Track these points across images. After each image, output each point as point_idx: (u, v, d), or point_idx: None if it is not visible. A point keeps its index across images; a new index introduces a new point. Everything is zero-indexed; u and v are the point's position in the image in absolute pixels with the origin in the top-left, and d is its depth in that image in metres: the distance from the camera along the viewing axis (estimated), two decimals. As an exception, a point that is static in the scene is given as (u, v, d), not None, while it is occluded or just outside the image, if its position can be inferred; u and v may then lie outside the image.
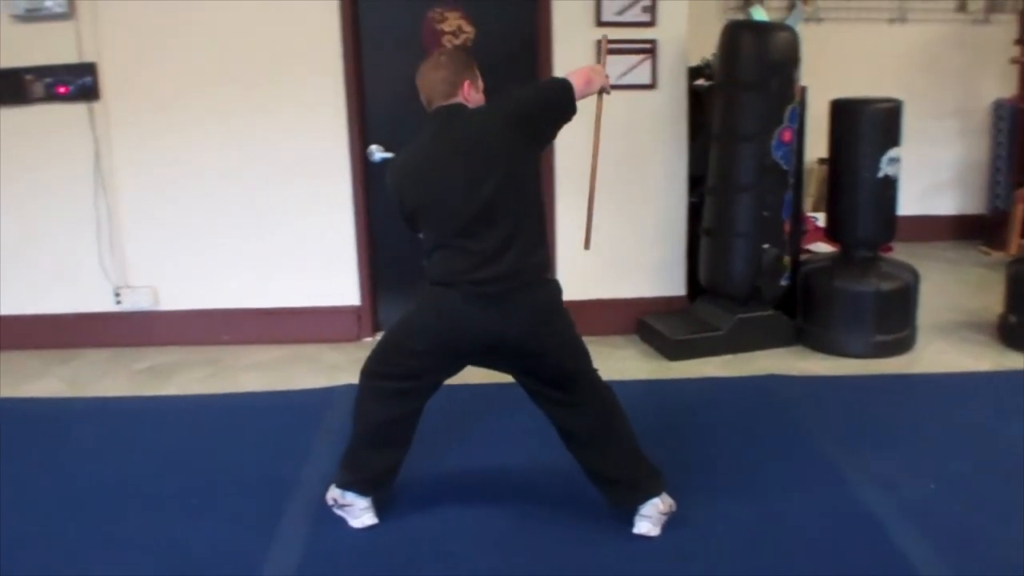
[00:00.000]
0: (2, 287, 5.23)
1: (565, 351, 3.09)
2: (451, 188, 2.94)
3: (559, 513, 3.29)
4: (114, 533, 3.25)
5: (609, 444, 3.13)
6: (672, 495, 3.17)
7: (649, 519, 3.11)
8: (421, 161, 3.05)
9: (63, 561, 3.09)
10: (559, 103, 3.06)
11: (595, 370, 3.17)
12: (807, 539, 3.11)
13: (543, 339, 3.01)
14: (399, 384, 3.12)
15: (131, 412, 4.40)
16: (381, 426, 3.17)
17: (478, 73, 3.14)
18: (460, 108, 3.04)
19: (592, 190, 3.43)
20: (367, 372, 3.18)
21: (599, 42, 3.57)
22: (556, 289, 3.12)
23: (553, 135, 3.13)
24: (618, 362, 4.82)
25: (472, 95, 3.08)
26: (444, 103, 3.05)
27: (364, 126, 5.04)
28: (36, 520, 3.35)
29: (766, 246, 4.80)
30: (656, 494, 3.12)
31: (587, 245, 3.45)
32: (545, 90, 3.15)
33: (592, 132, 3.40)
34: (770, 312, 4.97)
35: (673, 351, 4.85)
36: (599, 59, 3.53)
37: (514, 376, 3.16)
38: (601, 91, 3.30)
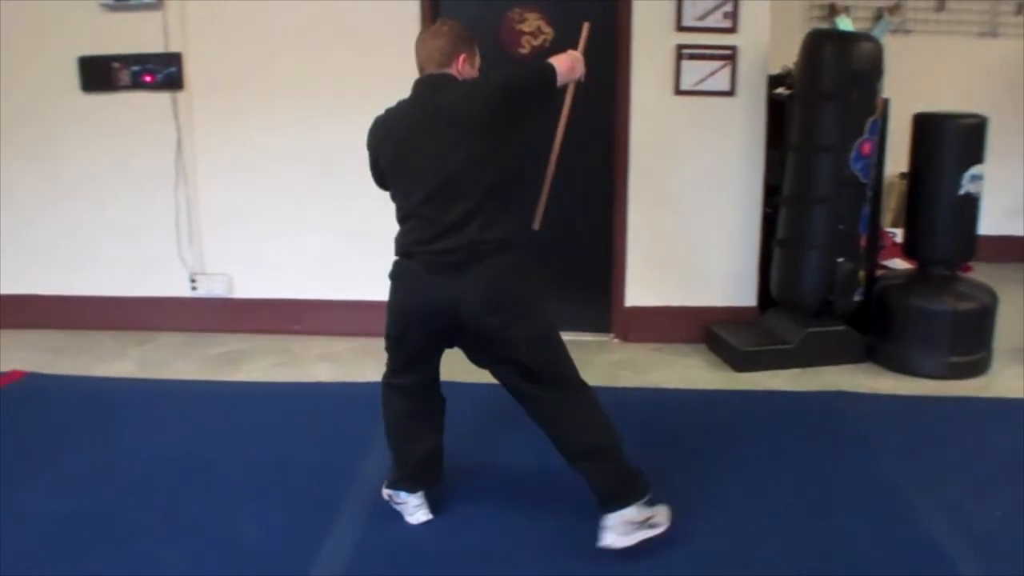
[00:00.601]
0: (84, 269, 5.38)
1: (527, 328, 2.99)
2: (422, 156, 2.94)
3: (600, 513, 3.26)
4: (173, 514, 3.32)
5: (581, 446, 3.04)
6: (732, 507, 3.13)
7: (613, 531, 2.98)
8: (399, 124, 3.06)
9: (121, 538, 3.17)
10: (542, 86, 3.07)
11: (572, 367, 3.08)
12: (865, 559, 3.04)
13: (499, 310, 2.93)
14: (399, 379, 3.17)
15: (200, 395, 4.49)
16: (398, 421, 3.22)
17: (477, 51, 3.14)
18: (448, 78, 3.04)
19: (551, 171, 3.43)
20: (385, 372, 3.23)
21: (585, 27, 3.52)
22: (518, 264, 3.01)
23: (531, 117, 3.08)
24: (684, 371, 4.79)
25: (466, 70, 3.08)
26: (434, 71, 3.06)
27: (440, 124, 5.06)
28: (99, 497, 3.45)
29: (840, 260, 4.72)
30: (623, 506, 2.98)
31: (538, 225, 3.44)
32: (530, 72, 3.13)
33: (563, 117, 3.43)
34: (841, 327, 4.88)
35: (740, 362, 4.80)
36: (579, 45, 3.48)
37: (492, 370, 3.11)
38: (577, 79, 3.30)
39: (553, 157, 3.44)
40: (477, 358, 3.12)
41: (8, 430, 4.04)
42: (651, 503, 3.05)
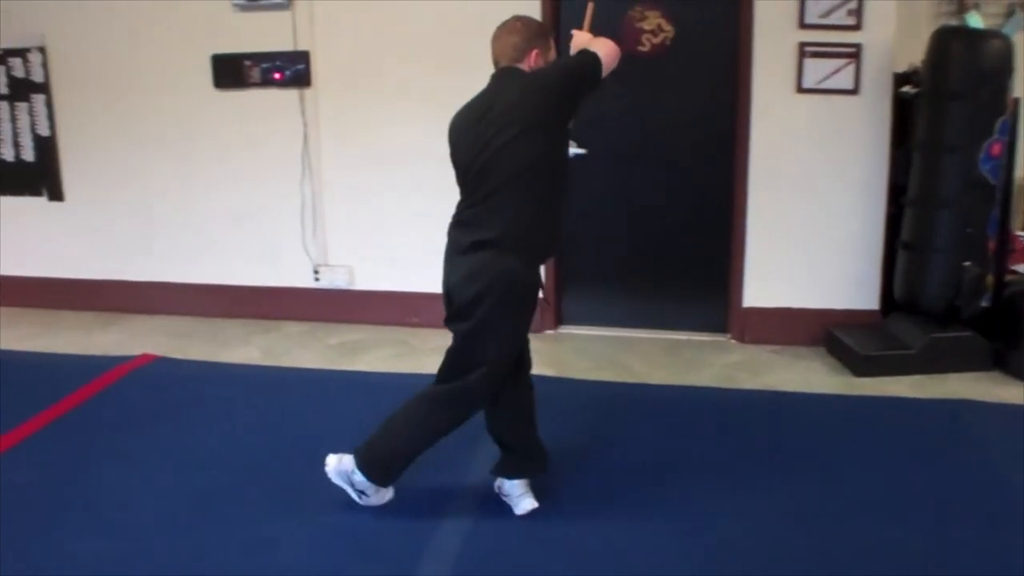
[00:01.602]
0: (213, 259, 5.60)
1: (474, 326, 3.03)
2: (475, 144, 3.00)
3: (712, 514, 3.27)
4: (289, 498, 3.41)
5: (395, 436, 3.24)
6: (846, 515, 3.06)
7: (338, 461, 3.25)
8: (470, 115, 3.11)
9: (240, 519, 3.28)
10: (593, 78, 3.07)
11: (460, 377, 3.13)
12: (986, 573, 2.95)
13: (468, 292, 3.00)
14: None
15: (319, 384, 4.63)
16: (488, 412, 3.31)
17: (552, 45, 3.18)
18: (516, 72, 3.09)
19: None
20: None
21: (589, 7, 3.47)
22: (513, 270, 3.01)
23: (577, 109, 3.13)
24: (802, 374, 4.72)
25: (539, 63, 3.11)
26: (506, 65, 3.11)
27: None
28: (221, 478, 3.58)
29: (967, 264, 4.58)
30: (358, 463, 3.21)
31: None
32: (582, 64, 3.10)
33: None
34: (967, 333, 4.73)
35: (860, 367, 4.69)
36: (584, 25, 3.41)
37: None
38: None
39: None
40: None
41: (138, 410, 4.24)
42: (374, 482, 3.25)
